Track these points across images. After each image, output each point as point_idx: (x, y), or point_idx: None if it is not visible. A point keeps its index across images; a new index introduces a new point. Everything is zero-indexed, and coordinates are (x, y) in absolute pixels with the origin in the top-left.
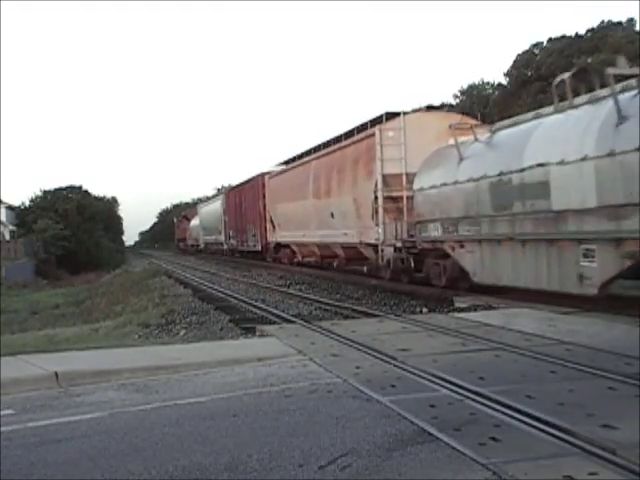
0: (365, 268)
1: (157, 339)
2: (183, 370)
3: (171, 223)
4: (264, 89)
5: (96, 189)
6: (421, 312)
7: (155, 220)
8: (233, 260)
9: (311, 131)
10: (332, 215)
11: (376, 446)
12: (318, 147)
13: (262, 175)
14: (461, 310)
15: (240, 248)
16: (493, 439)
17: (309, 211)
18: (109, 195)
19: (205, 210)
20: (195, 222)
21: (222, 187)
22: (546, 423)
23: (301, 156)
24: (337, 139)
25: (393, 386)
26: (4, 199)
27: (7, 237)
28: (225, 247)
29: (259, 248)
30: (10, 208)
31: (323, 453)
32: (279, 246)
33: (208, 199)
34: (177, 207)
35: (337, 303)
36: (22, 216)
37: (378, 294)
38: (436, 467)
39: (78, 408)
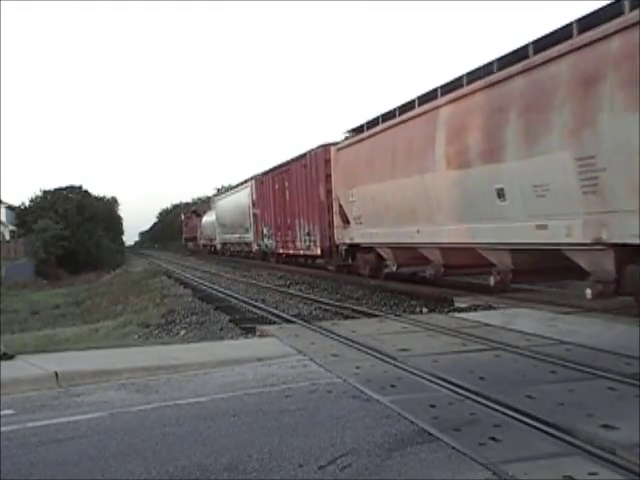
0: (589, 292)
1: (157, 339)
2: (183, 370)
3: (172, 222)
4: (263, 91)
5: (96, 189)
6: (421, 312)
7: (155, 220)
8: (234, 260)
9: (310, 132)
10: (500, 195)
11: (376, 446)
12: (456, 81)
13: (324, 148)
14: (461, 310)
15: (282, 250)
16: (493, 439)
17: (435, 192)
18: (109, 195)
19: (224, 203)
20: (209, 218)
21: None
22: (546, 423)
23: (407, 107)
24: (505, 60)
25: (393, 386)
26: (4, 199)
27: (7, 237)
28: (256, 248)
29: (317, 252)
30: (10, 208)
31: (323, 453)
32: (354, 249)
33: (226, 190)
34: (177, 207)
35: (337, 303)
36: (22, 216)
37: (378, 294)
38: (436, 467)
39: (78, 408)
